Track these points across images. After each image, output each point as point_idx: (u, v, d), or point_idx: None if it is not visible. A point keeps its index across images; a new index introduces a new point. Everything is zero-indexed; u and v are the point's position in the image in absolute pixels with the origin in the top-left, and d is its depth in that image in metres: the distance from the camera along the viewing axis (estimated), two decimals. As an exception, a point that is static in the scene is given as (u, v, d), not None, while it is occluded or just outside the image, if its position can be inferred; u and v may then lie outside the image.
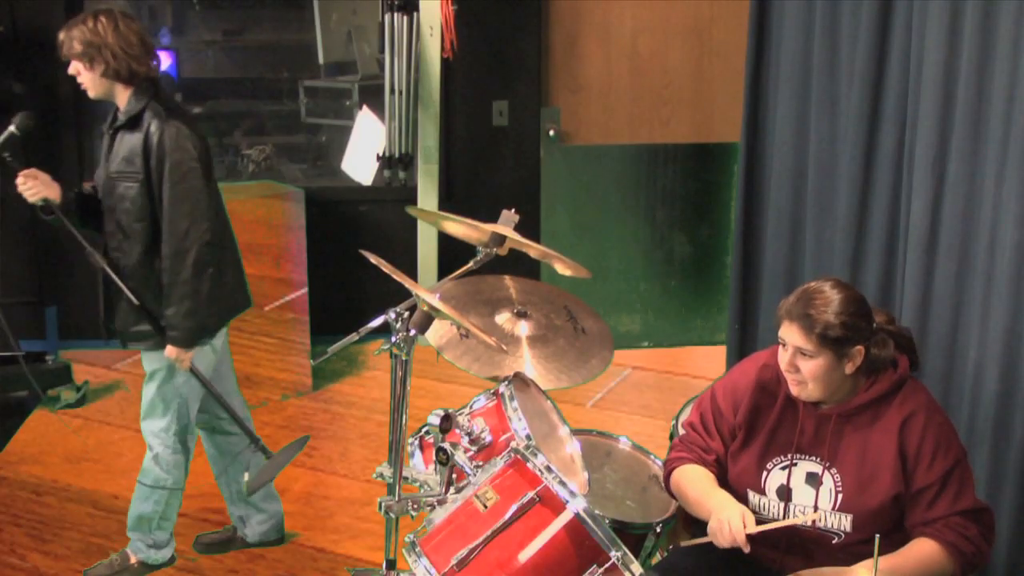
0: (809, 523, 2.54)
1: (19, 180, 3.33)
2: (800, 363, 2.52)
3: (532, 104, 5.55)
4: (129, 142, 3.35)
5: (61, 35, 3.34)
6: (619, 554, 2.31)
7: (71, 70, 3.37)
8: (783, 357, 2.56)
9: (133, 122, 3.34)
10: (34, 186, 3.33)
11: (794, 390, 2.58)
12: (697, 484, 2.68)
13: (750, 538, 2.49)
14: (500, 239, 2.88)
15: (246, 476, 3.61)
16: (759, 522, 2.64)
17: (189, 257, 3.32)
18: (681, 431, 2.88)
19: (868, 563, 2.36)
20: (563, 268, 3.01)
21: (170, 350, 3.40)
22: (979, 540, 2.51)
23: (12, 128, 3.35)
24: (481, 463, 2.57)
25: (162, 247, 3.34)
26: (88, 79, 3.35)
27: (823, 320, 2.48)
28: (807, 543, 2.61)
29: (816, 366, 2.51)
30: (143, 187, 3.34)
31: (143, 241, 3.37)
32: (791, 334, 2.52)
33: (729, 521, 2.49)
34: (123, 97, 3.37)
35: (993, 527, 2.58)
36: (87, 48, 3.30)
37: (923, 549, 2.50)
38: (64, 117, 5.40)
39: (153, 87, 3.39)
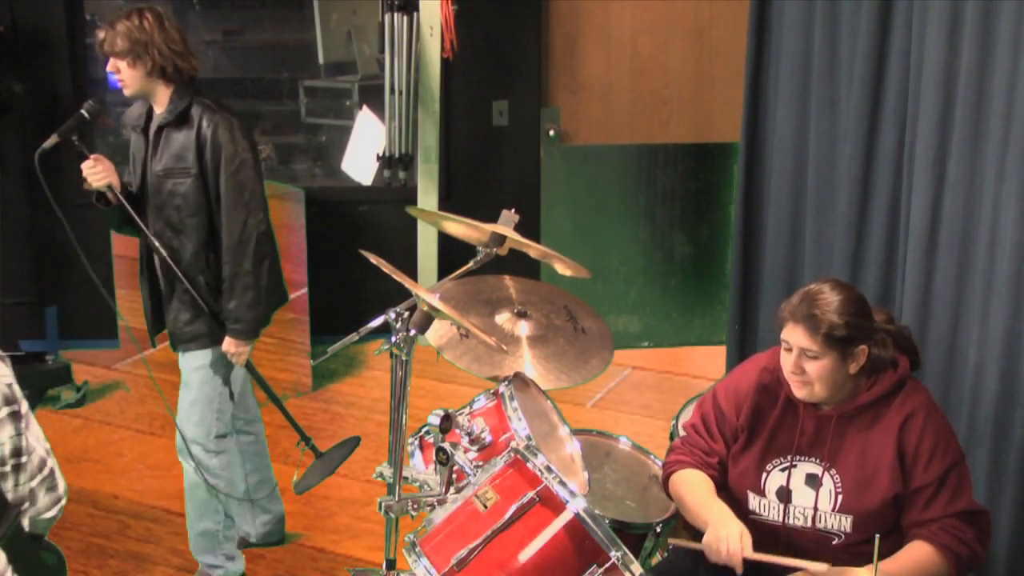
0: (816, 570, 2.48)
1: (88, 163, 3.29)
2: (806, 364, 2.52)
3: (532, 104, 5.55)
4: (178, 139, 3.32)
5: (101, 33, 3.30)
6: (619, 554, 2.31)
7: (110, 67, 3.32)
8: (787, 359, 2.55)
9: (180, 119, 3.32)
10: (103, 170, 3.29)
11: (798, 392, 2.58)
12: (696, 492, 2.68)
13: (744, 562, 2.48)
14: (500, 239, 2.87)
15: (296, 476, 3.54)
16: (757, 522, 2.64)
17: (249, 247, 3.30)
18: (682, 432, 2.88)
19: (868, 566, 2.36)
20: (563, 268, 3.01)
21: (229, 344, 3.37)
22: (974, 543, 2.51)
23: (83, 111, 3.35)
24: (481, 463, 2.57)
25: (222, 239, 3.32)
26: (130, 77, 3.31)
27: (828, 320, 2.48)
28: (807, 544, 2.60)
29: (821, 367, 2.51)
30: (197, 181, 3.31)
31: (197, 236, 3.34)
32: (796, 336, 2.51)
33: (728, 540, 2.49)
34: (163, 95, 3.35)
35: (989, 530, 2.58)
36: (133, 46, 3.26)
37: (918, 552, 2.50)
38: (64, 117, 5.36)
39: (193, 84, 3.37)
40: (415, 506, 2.51)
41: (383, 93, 5.42)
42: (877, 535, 2.26)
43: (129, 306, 5.64)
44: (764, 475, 2.65)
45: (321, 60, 6.90)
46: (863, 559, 2.47)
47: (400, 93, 5.34)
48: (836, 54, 3.76)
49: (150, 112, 3.44)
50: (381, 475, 2.59)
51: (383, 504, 2.50)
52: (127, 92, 3.37)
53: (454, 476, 2.56)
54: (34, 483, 2.00)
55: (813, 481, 2.60)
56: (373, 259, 2.55)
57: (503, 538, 2.34)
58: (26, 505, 1.96)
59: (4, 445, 1.88)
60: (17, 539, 1.91)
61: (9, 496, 1.90)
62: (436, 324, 2.76)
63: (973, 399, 3.14)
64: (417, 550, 2.38)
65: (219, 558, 3.59)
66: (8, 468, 1.90)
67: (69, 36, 5.40)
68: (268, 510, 3.86)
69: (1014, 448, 3.01)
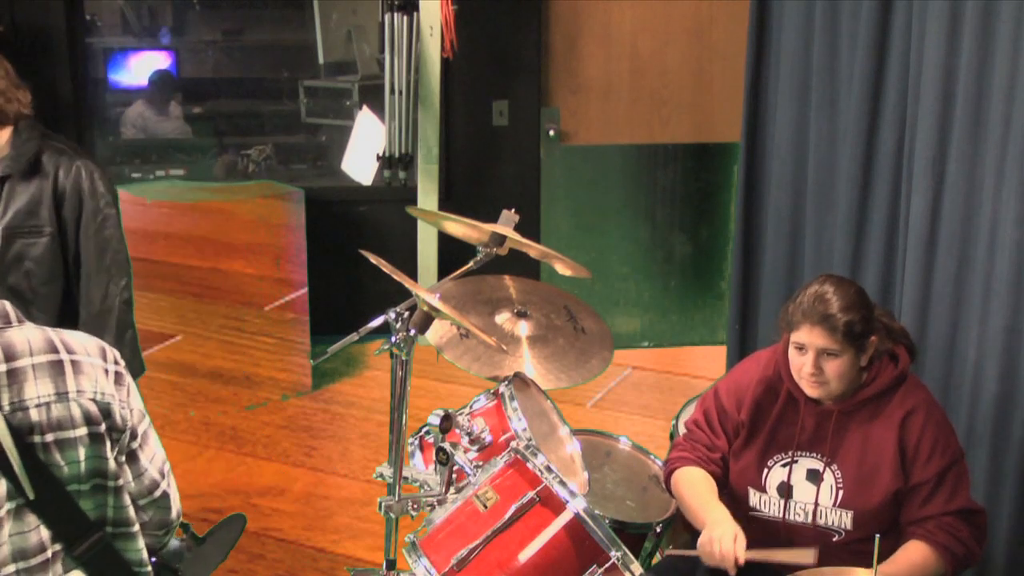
0: (806, 564, 2.47)
1: None
2: (825, 364, 2.52)
3: (532, 104, 5.55)
4: (27, 191, 2.82)
5: None
6: (619, 554, 2.31)
7: None
8: (804, 361, 2.54)
9: (30, 168, 2.83)
10: None
11: (814, 392, 2.57)
12: (696, 490, 2.69)
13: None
14: (500, 239, 2.87)
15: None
16: (757, 519, 2.65)
17: (111, 319, 2.85)
18: (683, 430, 2.89)
19: (870, 569, 2.36)
20: (563, 268, 3.01)
21: None
22: (970, 541, 2.52)
23: None
24: (481, 463, 2.57)
25: (80, 309, 2.87)
26: None
27: (846, 318, 2.49)
28: (807, 542, 2.60)
29: (840, 364, 2.51)
30: (53, 242, 2.83)
31: (53, 306, 2.87)
32: (814, 337, 2.51)
33: (721, 541, 2.49)
34: (0, 140, 2.85)
35: (985, 529, 2.59)
36: None
37: (915, 552, 2.50)
38: (64, 117, 5.40)
39: (35, 124, 2.91)
40: (415, 506, 2.51)
41: (383, 93, 5.42)
42: (877, 535, 2.26)
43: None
44: (765, 471, 2.65)
45: (321, 60, 6.91)
46: (863, 557, 2.47)
47: (400, 93, 5.34)
48: (836, 54, 3.76)
49: None
50: (381, 475, 2.59)
51: (383, 504, 2.50)
52: None
53: (454, 476, 2.56)
54: (142, 502, 1.95)
55: (814, 477, 2.60)
56: (373, 259, 2.55)
57: (503, 538, 2.34)
58: (133, 528, 1.90)
59: (80, 464, 1.81)
60: (106, 560, 1.85)
61: (92, 515, 1.84)
62: (436, 324, 2.75)
63: (972, 399, 3.14)
64: (417, 550, 2.38)
65: None
66: (87, 487, 1.83)
67: (69, 36, 5.40)
68: None
69: (1014, 448, 3.01)
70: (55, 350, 1.82)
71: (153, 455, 1.97)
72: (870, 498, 2.55)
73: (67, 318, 2.89)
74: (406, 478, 2.58)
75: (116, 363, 1.91)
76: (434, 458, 2.56)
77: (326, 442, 4.71)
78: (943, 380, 3.26)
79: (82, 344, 1.86)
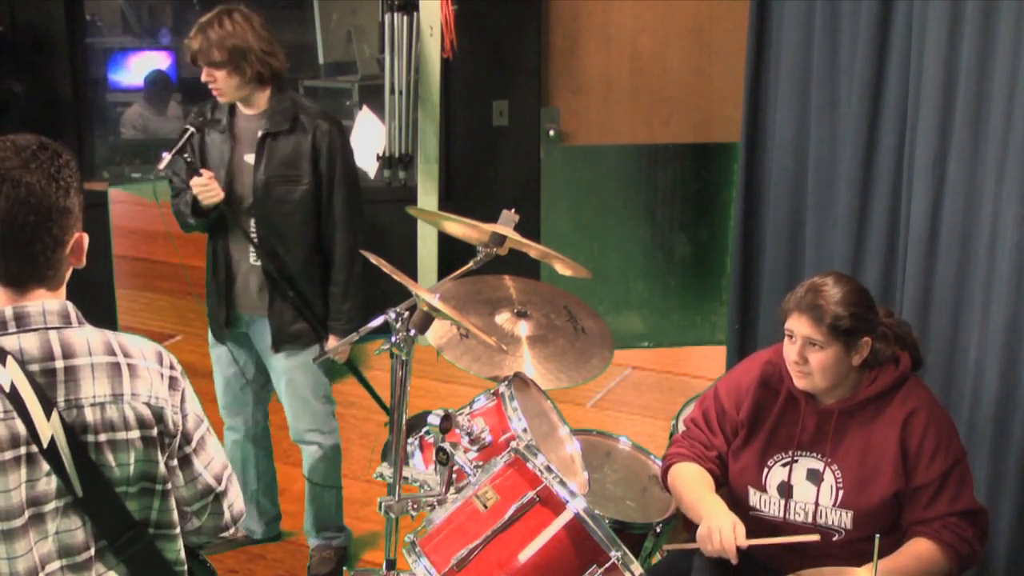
0: (809, 541, 2.50)
1: (200, 180, 3.25)
2: (809, 355, 2.53)
3: (532, 104, 5.55)
4: (287, 144, 3.29)
5: (195, 43, 3.20)
6: (619, 554, 2.31)
7: (205, 77, 3.25)
8: (791, 349, 2.56)
9: (290, 126, 3.29)
10: (215, 188, 3.27)
11: (799, 382, 2.58)
12: (692, 485, 2.69)
13: (739, 551, 2.48)
14: (500, 239, 2.87)
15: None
16: (758, 518, 2.65)
17: (359, 253, 3.27)
18: (683, 427, 2.89)
19: (869, 565, 2.36)
20: (563, 268, 3.01)
21: (335, 341, 3.42)
22: (974, 541, 2.52)
23: (189, 126, 3.31)
24: (481, 463, 2.57)
25: (337, 245, 3.37)
26: (228, 85, 3.24)
27: (833, 312, 2.49)
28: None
29: (825, 357, 2.52)
30: (310, 189, 3.31)
31: (307, 243, 3.37)
32: (801, 325, 2.52)
33: (720, 530, 2.49)
34: (260, 99, 3.31)
35: (987, 528, 2.59)
36: (232, 55, 3.17)
37: (921, 549, 2.50)
38: (64, 117, 5.40)
39: (284, 82, 3.34)
40: (415, 506, 2.51)
41: (383, 93, 5.43)
42: (877, 535, 2.27)
43: (128, 306, 5.64)
44: (765, 471, 2.65)
45: (321, 60, 6.91)
46: (863, 557, 2.47)
47: (400, 93, 5.34)
48: (836, 54, 3.76)
49: (232, 109, 3.36)
50: (381, 475, 2.59)
51: (383, 504, 2.50)
52: (222, 99, 3.31)
53: (454, 476, 2.56)
54: (196, 506, 1.97)
55: (814, 476, 2.60)
56: (373, 259, 2.55)
57: (503, 538, 2.34)
58: (175, 531, 1.91)
59: (130, 467, 1.82)
60: (147, 559, 1.88)
61: (136, 516, 1.85)
62: (436, 324, 2.76)
63: (973, 398, 3.14)
64: (417, 550, 2.38)
65: (333, 530, 3.79)
66: (134, 489, 1.84)
67: (69, 36, 5.39)
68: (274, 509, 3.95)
69: (1014, 448, 3.01)
70: (113, 352, 1.83)
71: (210, 460, 1.97)
72: (870, 498, 2.55)
73: (316, 252, 3.41)
74: (406, 478, 2.58)
75: (172, 368, 1.92)
76: (434, 458, 2.56)
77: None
78: (944, 379, 3.26)
79: (139, 348, 1.88)
